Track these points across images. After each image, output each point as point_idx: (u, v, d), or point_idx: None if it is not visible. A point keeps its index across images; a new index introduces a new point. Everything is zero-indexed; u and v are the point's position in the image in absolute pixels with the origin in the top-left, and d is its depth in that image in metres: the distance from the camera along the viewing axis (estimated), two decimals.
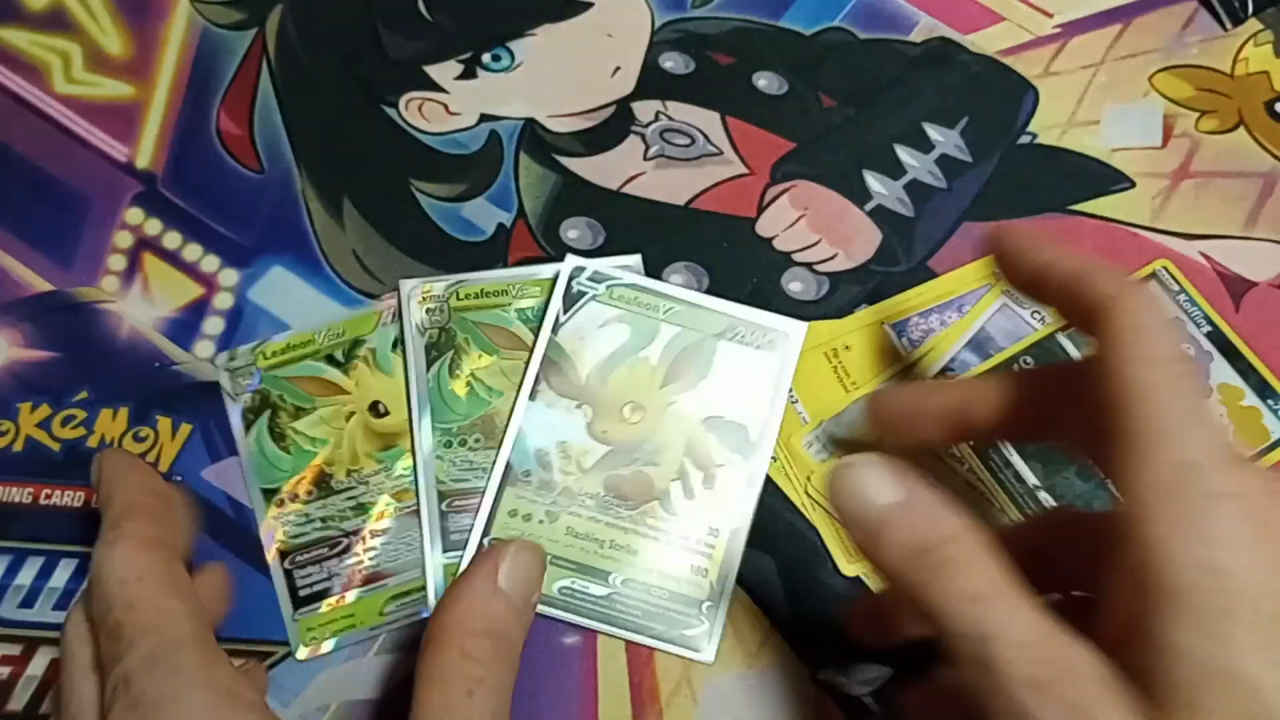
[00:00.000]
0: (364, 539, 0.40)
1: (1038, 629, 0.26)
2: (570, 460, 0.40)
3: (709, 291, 0.44)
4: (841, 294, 0.44)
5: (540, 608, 0.39)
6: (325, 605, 0.40)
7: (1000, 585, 0.27)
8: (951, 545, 0.28)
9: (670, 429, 0.41)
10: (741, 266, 0.44)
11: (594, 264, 0.42)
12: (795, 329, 0.42)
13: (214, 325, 0.44)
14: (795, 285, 0.44)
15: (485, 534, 0.40)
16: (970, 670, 0.26)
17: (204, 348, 0.43)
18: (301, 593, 0.40)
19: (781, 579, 0.41)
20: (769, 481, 0.41)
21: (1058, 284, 0.31)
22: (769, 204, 0.45)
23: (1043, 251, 0.32)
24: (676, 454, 0.41)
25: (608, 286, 0.42)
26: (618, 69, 0.48)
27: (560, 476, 0.40)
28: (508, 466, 0.40)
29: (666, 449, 0.41)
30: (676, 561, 0.40)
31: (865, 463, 0.30)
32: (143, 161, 0.46)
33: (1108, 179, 0.45)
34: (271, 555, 0.40)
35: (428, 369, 0.42)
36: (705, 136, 0.46)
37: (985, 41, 0.47)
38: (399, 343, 0.43)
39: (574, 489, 0.40)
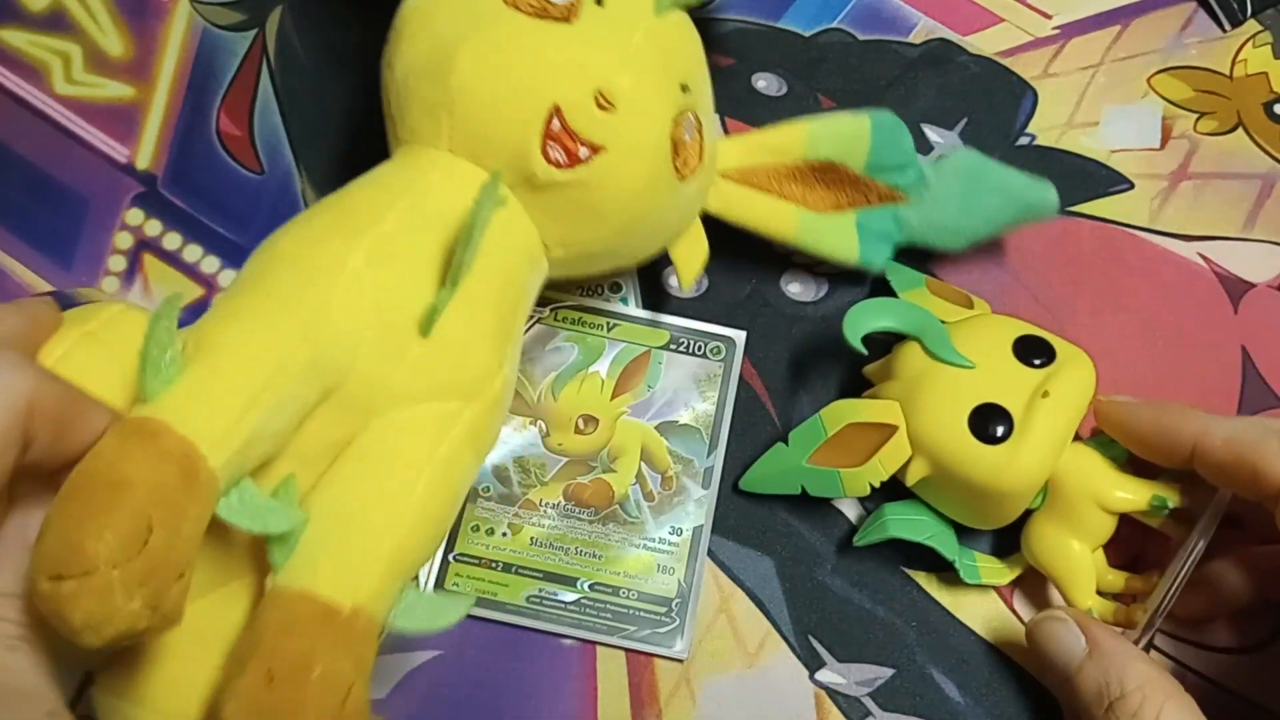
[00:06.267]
0: None
1: None
2: (529, 474, 0.41)
3: (708, 293, 0.44)
4: (841, 296, 0.44)
5: (510, 618, 0.40)
6: None
7: None
8: (1136, 695, 0.32)
9: (624, 437, 0.41)
10: (741, 268, 0.44)
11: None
12: (737, 335, 0.43)
13: None
14: (794, 287, 0.44)
15: (449, 550, 0.40)
16: None
17: None
18: None
19: (780, 579, 0.41)
20: None
21: (1215, 464, 0.34)
22: None
23: (1175, 425, 0.35)
24: (633, 460, 0.41)
25: (551, 309, 0.43)
26: None
27: (520, 490, 0.41)
28: None
29: (622, 456, 0.41)
30: (642, 563, 0.40)
31: (1056, 617, 0.36)
32: (143, 162, 0.46)
33: (1106, 180, 0.45)
34: None
35: None
36: None
37: (984, 43, 0.47)
38: None
39: (535, 500, 0.41)
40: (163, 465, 0.25)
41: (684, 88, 0.35)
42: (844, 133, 0.39)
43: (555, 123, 0.32)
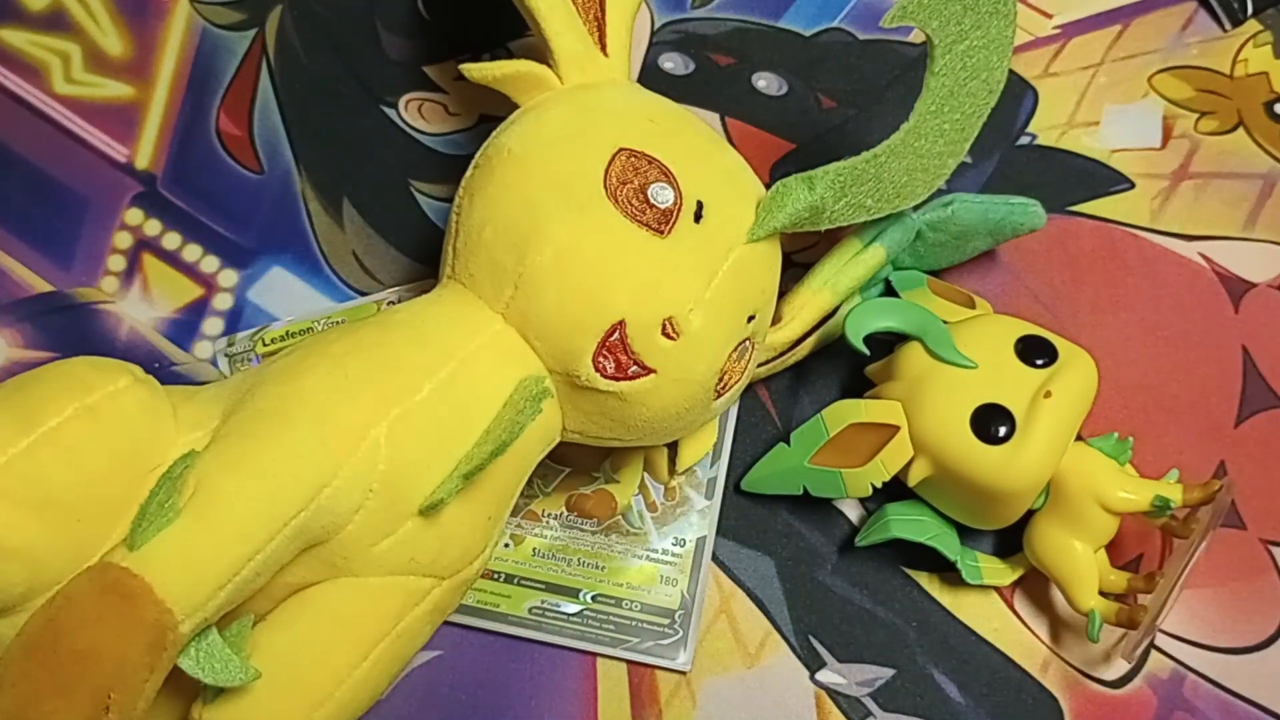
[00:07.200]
0: None
1: None
2: (530, 484, 0.40)
3: None
4: None
5: (512, 629, 0.39)
6: None
7: None
8: None
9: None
10: None
11: None
12: None
13: (213, 326, 0.44)
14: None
15: None
16: None
17: (203, 348, 0.43)
18: None
19: (781, 579, 0.41)
20: None
21: None
22: None
23: None
24: (635, 470, 0.41)
25: None
26: None
27: (521, 500, 0.40)
28: None
29: (625, 466, 0.41)
30: (645, 574, 0.40)
31: None
32: (142, 162, 0.46)
33: (1107, 180, 0.45)
34: None
35: None
36: None
37: None
38: None
39: (537, 511, 0.41)
40: (133, 636, 0.25)
41: (751, 318, 0.34)
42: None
43: (616, 335, 0.32)
